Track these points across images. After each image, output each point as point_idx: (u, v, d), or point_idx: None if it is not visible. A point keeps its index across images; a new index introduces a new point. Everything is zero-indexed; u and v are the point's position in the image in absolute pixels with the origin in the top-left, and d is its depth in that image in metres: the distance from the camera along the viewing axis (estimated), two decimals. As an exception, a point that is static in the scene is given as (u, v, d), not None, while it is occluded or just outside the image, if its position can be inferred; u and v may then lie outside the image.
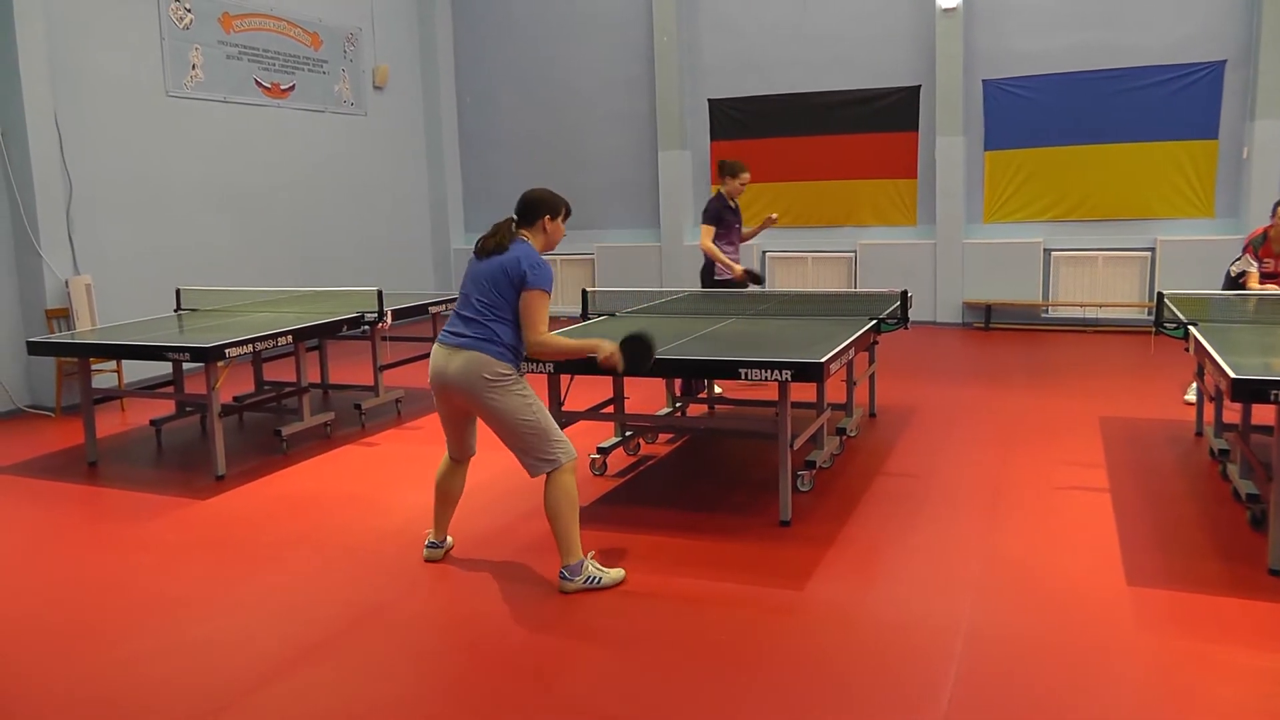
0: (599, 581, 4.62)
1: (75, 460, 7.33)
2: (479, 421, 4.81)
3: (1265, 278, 7.49)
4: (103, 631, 4.40)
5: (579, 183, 14.35)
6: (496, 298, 4.53)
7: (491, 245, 4.59)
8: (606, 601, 4.51)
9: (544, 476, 4.62)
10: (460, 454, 4.96)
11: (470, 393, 4.53)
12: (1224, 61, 11.35)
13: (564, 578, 4.60)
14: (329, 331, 7.65)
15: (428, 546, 5.10)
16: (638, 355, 4.83)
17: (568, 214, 4.79)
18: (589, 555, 4.70)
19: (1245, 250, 7.57)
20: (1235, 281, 7.58)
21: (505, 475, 6.03)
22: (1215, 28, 11.36)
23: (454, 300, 9.02)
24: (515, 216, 4.72)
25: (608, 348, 4.78)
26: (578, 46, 14.29)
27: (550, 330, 4.68)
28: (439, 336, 4.68)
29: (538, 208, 4.69)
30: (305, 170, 12.43)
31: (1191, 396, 7.69)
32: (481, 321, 4.53)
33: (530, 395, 4.60)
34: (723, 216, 8.29)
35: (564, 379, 5.77)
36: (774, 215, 8.43)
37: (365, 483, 6.57)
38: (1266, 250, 7.47)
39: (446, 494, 5.04)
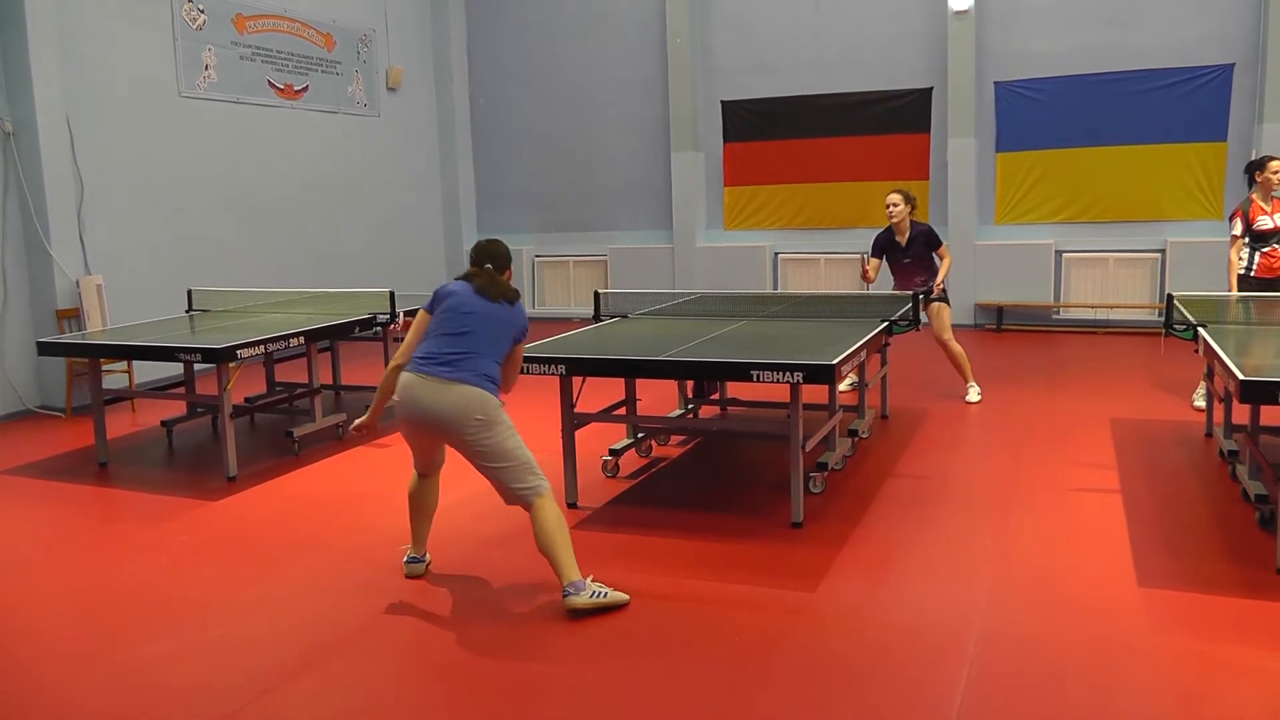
0: (603, 595, 4.42)
1: (86, 461, 7.35)
2: None
3: (1258, 239, 7.61)
4: (114, 634, 4.41)
5: (591, 184, 14.41)
6: (498, 343, 4.61)
7: (504, 295, 4.68)
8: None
9: (527, 508, 4.51)
10: (429, 469, 4.87)
11: (459, 430, 4.42)
12: (1232, 65, 11.33)
13: (569, 593, 4.39)
14: (341, 333, 7.67)
15: (408, 562, 4.95)
16: None
17: None
18: (588, 579, 4.47)
19: (1234, 216, 7.66)
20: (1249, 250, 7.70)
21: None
22: (1223, 31, 11.34)
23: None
24: (490, 266, 4.78)
25: None
26: (591, 48, 14.30)
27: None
28: (418, 366, 4.51)
29: (507, 258, 4.90)
30: (318, 171, 12.46)
31: (1200, 402, 7.67)
32: (483, 357, 4.53)
33: (511, 424, 4.54)
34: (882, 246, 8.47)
35: (576, 381, 5.77)
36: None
37: (377, 484, 6.57)
38: (1256, 209, 7.55)
39: (422, 507, 4.92)
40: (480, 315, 4.58)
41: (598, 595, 4.41)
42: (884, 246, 8.41)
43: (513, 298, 4.69)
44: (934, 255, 8.40)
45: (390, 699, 3.76)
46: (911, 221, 8.31)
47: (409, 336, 4.72)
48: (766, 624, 4.28)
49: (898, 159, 12.88)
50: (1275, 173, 7.57)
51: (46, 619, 4.64)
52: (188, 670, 4.02)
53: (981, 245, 12.49)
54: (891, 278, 8.56)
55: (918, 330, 7.09)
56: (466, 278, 4.72)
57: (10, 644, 4.35)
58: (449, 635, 4.31)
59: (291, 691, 3.83)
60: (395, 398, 4.58)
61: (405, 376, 4.54)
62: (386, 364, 8.14)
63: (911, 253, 8.34)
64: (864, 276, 8.31)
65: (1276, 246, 7.55)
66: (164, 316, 8.61)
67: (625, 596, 4.49)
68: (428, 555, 5.00)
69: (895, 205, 8.23)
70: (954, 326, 8.44)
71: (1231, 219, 7.75)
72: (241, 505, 6.20)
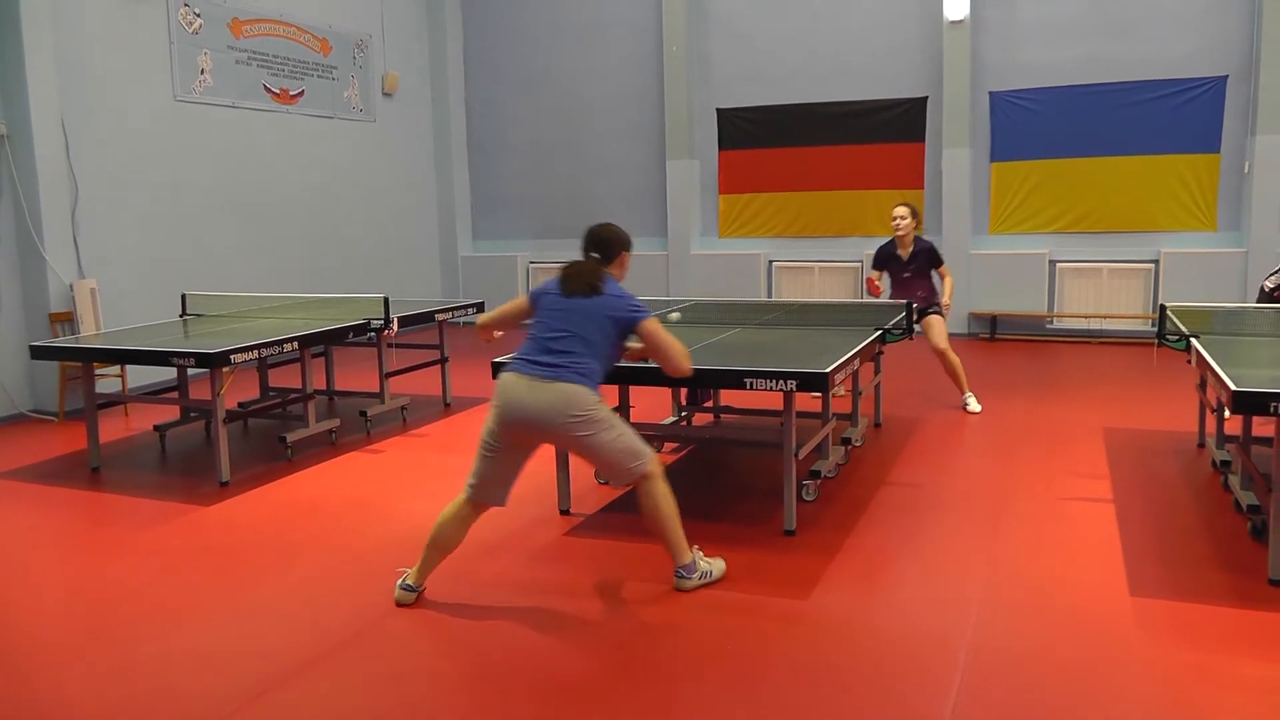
0: (710, 575, 4.74)
1: (78, 466, 7.33)
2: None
3: None
4: (107, 638, 4.40)
5: (586, 191, 14.42)
6: (597, 335, 4.57)
7: (585, 287, 4.62)
8: (611, 609, 4.52)
9: (634, 487, 4.68)
10: (490, 497, 4.64)
11: (559, 427, 4.47)
12: (1225, 77, 11.37)
13: (681, 576, 4.68)
14: (335, 338, 7.67)
15: (402, 588, 4.65)
16: None
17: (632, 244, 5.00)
18: (694, 549, 4.75)
19: None
20: (1270, 296, 7.51)
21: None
22: (1217, 43, 11.39)
23: (461, 307, 9.06)
24: (595, 254, 4.75)
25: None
26: (587, 55, 14.32)
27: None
28: (515, 366, 4.57)
29: (616, 244, 4.82)
30: (313, 176, 12.46)
31: None
32: (579, 354, 4.52)
33: (614, 416, 4.63)
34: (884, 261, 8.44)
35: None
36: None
37: (370, 489, 6.58)
38: None
39: (444, 540, 4.66)
40: (568, 312, 4.61)
41: (704, 577, 4.73)
42: (886, 259, 8.40)
43: (587, 291, 4.62)
44: (935, 273, 8.40)
45: (383, 704, 3.75)
46: (915, 237, 8.32)
47: (504, 306, 4.97)
48: (758, 632, 4.28)
49: (892, 168, 12.91)
50: None
51: (39, 623, 4.63)
52: (180, 675, 4.01)
53: (975, 255, 12.51)
54: (891, 292, 8.54)
55: (911, 339, 7.10)
56: (561, 273, 4.75)
57: (3, 648, 4.33)
58: (442, 641, 4.31)
59: (284, 696, 3.82)
60: (494, 397, 4.60)
61: (505, 376, 4.60)
62: (381, 370, 8.22)
63: (913, 267, 8.33)
64: (871, 291, 8.31)
65: None
66: (158, 321, 8.60)
67: (722, 564, 4.87)
68: (423, 587, 4.74)
69: (903, 218, 8.24)
70: (949, 335, 8.44)
71: None
72: (234, 510, 6.20)
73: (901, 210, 8.27)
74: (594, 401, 4.51)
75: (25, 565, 5.39)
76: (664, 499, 4.64)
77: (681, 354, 4.75)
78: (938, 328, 8.24)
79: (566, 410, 4.43)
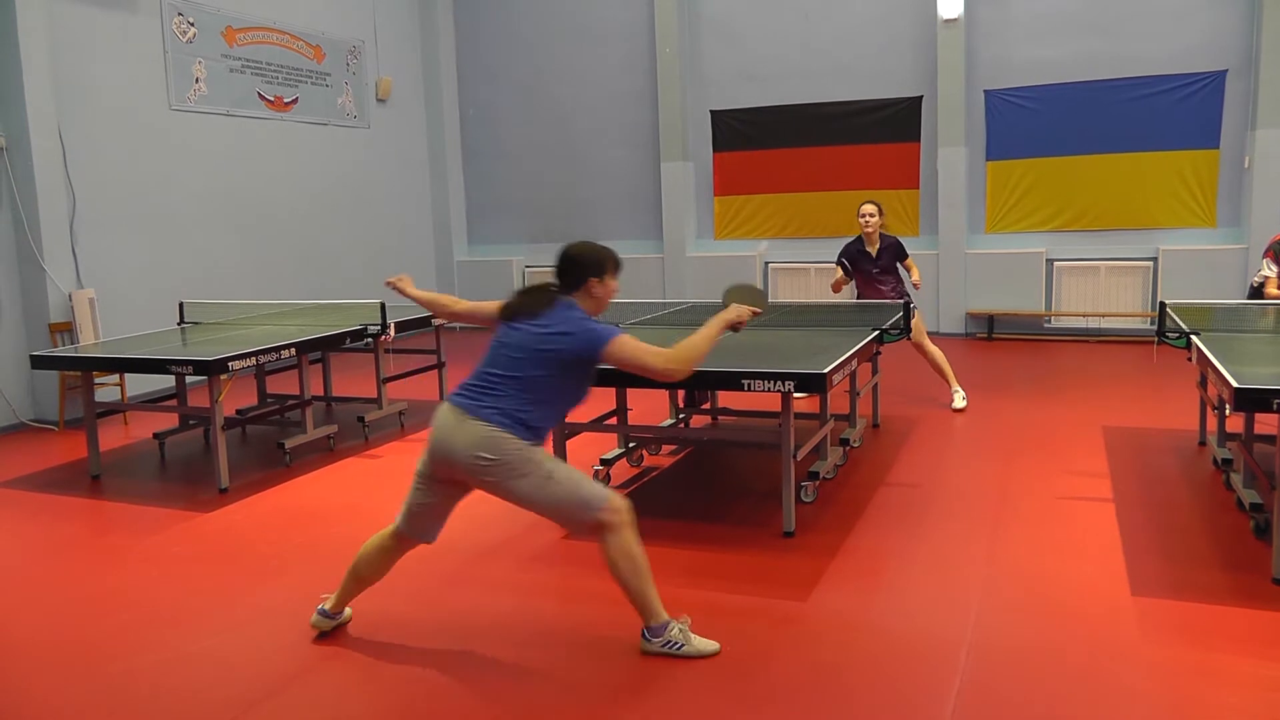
0: (679, 648, 4.03)
1: (78, 474, 7.33)
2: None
3: None
4: (107, 645, 4.40)
5: (581, 194, 14.42)
6: (531, 371, 3.96)
7: (516, 312, 4.10)
8: (609, 611, 4.49)
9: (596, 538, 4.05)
10: (420, 532, 4.20)
11: (467, 470, 3.97)
12: (1224, 71, 11.36)
13: (645, 638, 4.08)
14: (332, 344, 7.66)
15: (320, 614, 4.36)
16: (750, 296, 4.60)
17: (617, 268, 4.25)
18: (681, 619, 4.12)
19: (1265, 255, 7.53)
20: (1258, 291, 7.51)
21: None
22: (1216, 38, 11.37)
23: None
24: (555, 282, 4.15)
25: (732, 314, 4.40)
26: (580, 58, 14.32)
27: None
28: (452, 395, 4.09)
29: (581, 269, 4.11)
30: (308, 183, 12.46)
31: None
32: (506, 392, 3.95)
33: (545, 463, 3.97)
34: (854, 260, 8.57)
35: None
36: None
37: (369, 495, 6.57)
38: None
39: (368, 574, 4.31)
40: (501, 344, 4.06)
41: (671, 646, 4.04)
42: (854, 257, 8.54)
43: (524, 320, 4.05)
44: (901, 267, 8.55)
45: (384, 707, 3.75)
46: (880, 234, 8.45)
47: (475, 303, 4.49)
48: (757, 634, 4.27)
49: (888, 168, 12.90)
50: None
51: (38, 631, 4.62)
52: (179, 681, 4.01)
53: (972, 254, 12.51)
54: (857, 290, 8.64)
55: (909, 338, 7.10)
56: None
57: (3, 655, 4.33)
58: (442, 643, 4.29)
59: (284, 702, 3.82)
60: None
61: (441, 405, 4.09)
62: (378, 376, 8.21)
63: (881, 263, 8.46)
64: (835, 288, 8.46)
65: None
66: (156, 329, 8.60)
67: (714, 646, 4.10)
68: (346, 612, 4.45)
69: (872, 215, 8.41)
70: (946, 335, 8.47)
71: (1265, 256, 7.55)
72: (233, 517, 6.19)
73: (870, 208, 8.43)
74: (511, 447, 3.89)
75: (26, 573, 5.38)
76: (627, 554, 3.97)
77: (663, 357, 4.05)
78: (917, 323, 8.30)
79: (474, 451, 3.88)
